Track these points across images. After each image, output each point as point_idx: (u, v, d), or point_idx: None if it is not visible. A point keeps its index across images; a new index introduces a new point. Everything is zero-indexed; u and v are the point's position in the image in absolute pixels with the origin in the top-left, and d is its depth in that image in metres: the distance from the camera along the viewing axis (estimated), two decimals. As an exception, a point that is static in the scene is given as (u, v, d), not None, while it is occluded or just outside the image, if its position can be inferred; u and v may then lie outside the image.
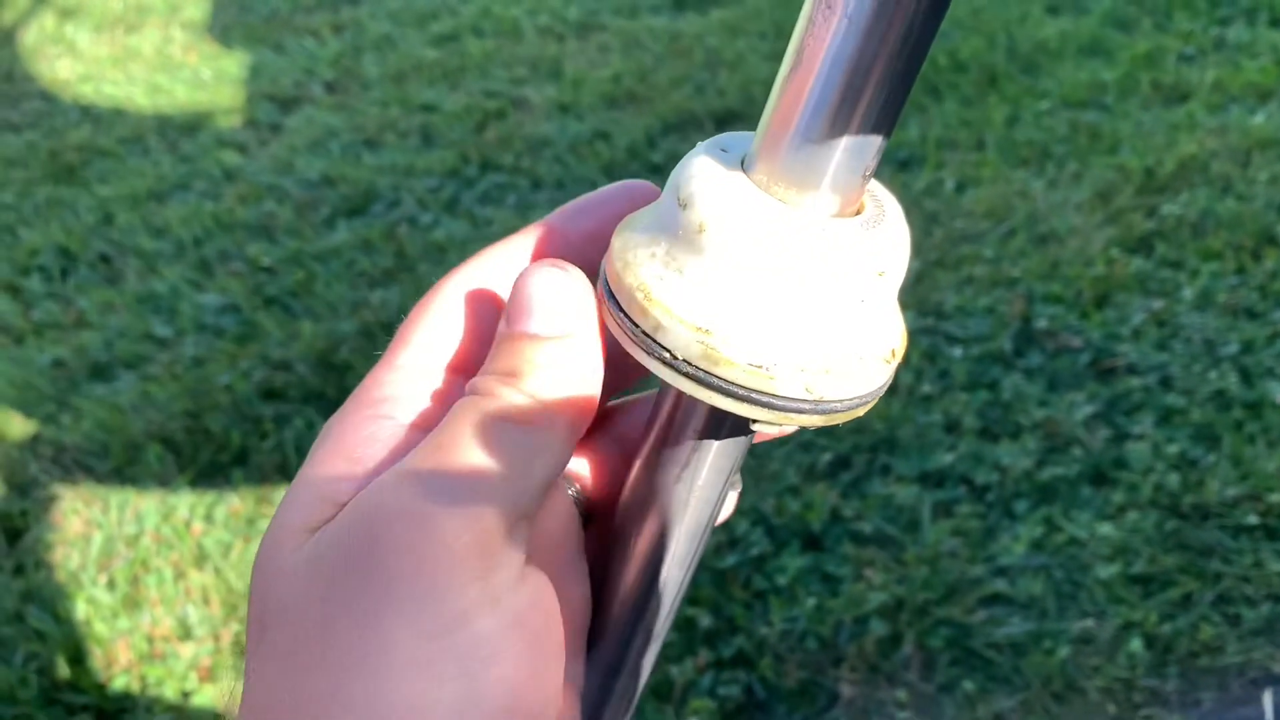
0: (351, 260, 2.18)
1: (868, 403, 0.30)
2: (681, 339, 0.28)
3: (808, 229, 0.28)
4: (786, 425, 0.29)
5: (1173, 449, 1.57)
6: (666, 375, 0.29)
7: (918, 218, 2.13)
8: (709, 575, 1.47)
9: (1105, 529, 1.47)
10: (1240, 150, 2.21)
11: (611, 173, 2.43)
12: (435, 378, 0.32)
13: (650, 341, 0.29)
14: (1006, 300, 1.88)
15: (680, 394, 0.31)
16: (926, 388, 1.72)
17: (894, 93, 0.26)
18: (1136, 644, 1.34)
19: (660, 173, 2.34)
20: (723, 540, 1.51)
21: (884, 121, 0.27)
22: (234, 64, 3.08)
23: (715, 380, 0.28)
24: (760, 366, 0.28)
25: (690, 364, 0.28)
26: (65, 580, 1.55)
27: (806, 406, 0.28)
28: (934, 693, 1.33)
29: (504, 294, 0.32)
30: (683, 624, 1.41)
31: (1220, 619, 1.37)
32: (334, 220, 2.33)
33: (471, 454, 0.29)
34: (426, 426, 0.31)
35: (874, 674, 1.35)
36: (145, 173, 2.53)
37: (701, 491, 0.33)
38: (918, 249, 2.04)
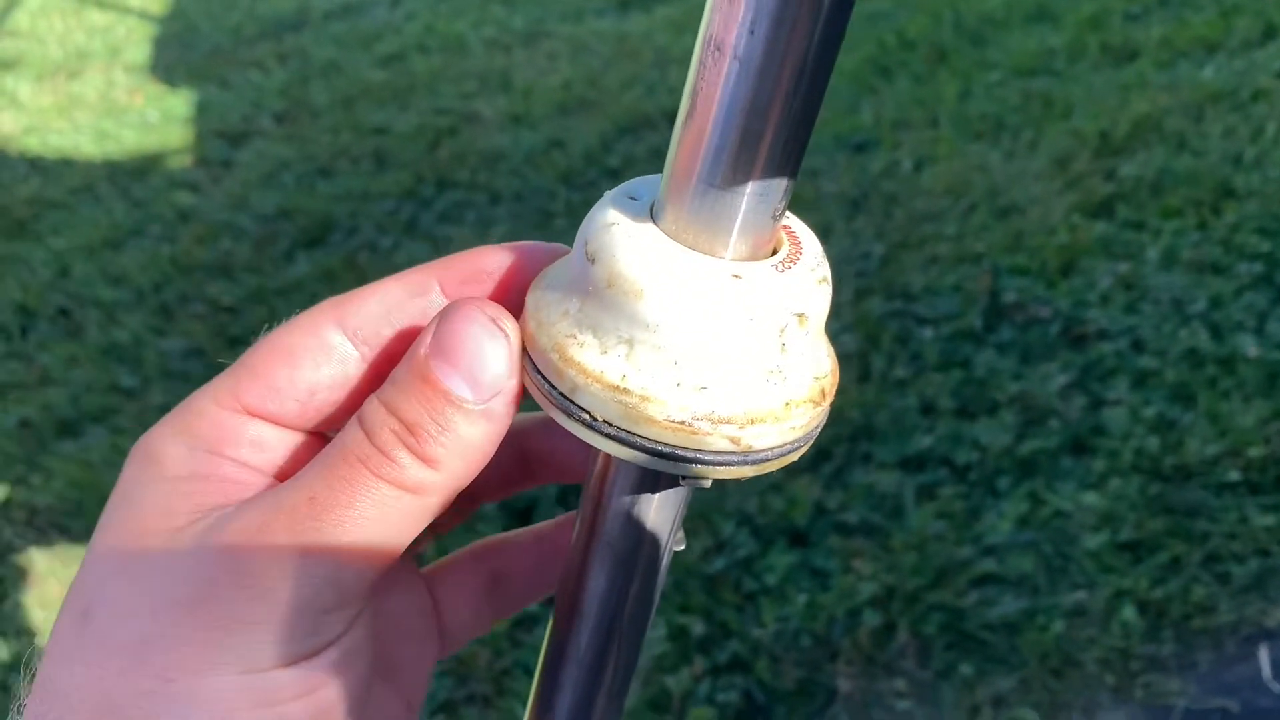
0: (314, 293, 2.15)
1: (800, 447, 0.29)
2: (599, 399, 0.27)
3: (719, 277, 0.27)
4: (719, 478, 0.28)
5: (1150, 412, 1.57)
6: (588, 437, 0.28)
7: (877, 200, 2.13)
8: (699, 582, 1.46)
9: (1090, 498, 1.47)
10: (1192, 105, 2.22)
11: (569, 180, 2.41)
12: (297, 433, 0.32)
13: (569, 403, 0.28)
14: (973, 276, 1.87)
15: (607, 455, 0.30)
16: (900, 371, 1.72)
17: (795, 133, 0.25)
18: (1129, 612, 1.34)
19: (617, 177, 2.32)
20: (709, 544, 1.50)
21: (788, 162, 0.26)
22: (180, 103, 3.05)
23: (638, 440, 0.27)
24: (682, 423, 0.27)
25: (611, 424, 0.27)
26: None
27: (735, 459, 0.27)
28: (932, 679, 1.32)
29: (387, 335, 0.31)
30: (676, 633, 1.40)
31: (1210, 579, 1.36)
32: (293, 253, 2.31)
33: (347, 517, 0.28)
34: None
35: (871, 666, 1.34)
36: (98, 221, 2.50)
37: (646, 549, 0.32)
38: (880, 232, 2.04)
